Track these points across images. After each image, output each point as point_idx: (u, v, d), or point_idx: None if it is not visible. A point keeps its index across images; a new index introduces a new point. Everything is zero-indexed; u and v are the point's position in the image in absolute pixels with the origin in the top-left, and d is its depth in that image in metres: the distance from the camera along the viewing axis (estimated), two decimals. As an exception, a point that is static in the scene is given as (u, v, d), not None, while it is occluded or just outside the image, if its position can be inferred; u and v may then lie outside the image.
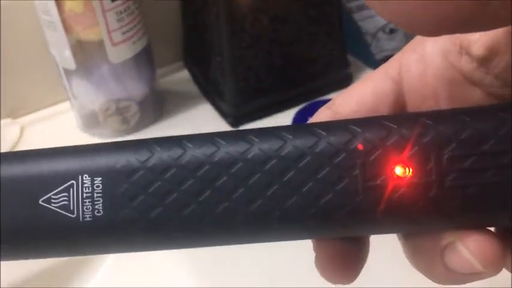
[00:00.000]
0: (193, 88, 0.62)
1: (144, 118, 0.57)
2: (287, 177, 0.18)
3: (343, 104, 0.22)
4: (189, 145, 0.18)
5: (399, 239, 0.21)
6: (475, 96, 0.20)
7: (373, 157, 0.18)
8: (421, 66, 0.21)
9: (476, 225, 0.18)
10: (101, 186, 0.18)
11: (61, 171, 0.18)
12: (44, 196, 0.18)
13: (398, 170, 0.17)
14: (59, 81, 0.55)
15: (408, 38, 0.68)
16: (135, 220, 0.18)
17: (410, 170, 0.17)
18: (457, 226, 0.18)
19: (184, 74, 0.64)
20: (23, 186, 0.18)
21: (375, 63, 0.63)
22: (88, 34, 0.49)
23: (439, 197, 0.17)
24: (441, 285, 0.20)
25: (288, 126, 0.19)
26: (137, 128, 0.57)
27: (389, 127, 0.18)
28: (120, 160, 0.18)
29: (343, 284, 0.21)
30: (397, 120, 0.18)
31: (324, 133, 0.18)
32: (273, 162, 0.18)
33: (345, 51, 0.58)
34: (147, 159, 0.18)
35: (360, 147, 0.18)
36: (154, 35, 0.56)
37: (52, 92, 0.59)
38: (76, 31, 0.49)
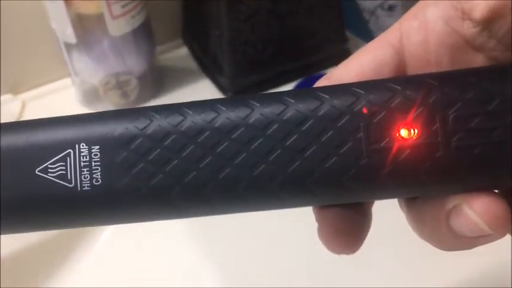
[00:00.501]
0: (192, 64, 0.62)
1: (143, 93, 0.57)
2: (290, 141, 0.17)
3: (344, 74, 0.21)
4: (189, 111, 0.18)
5: (402, 207, 0.21)
6: (478, 61, 0.20)
7: (377, 119, 0.17)
8: (423, 33, 0.21)
9: (483, 186, 0.17)
10: (98, 155, 0.18)
11: (57, 140, 0.18)
12: (40, 166, 0.18)
13: (403, 132, 0.17)
14: (60, 56, 0.56)
15: (406, 14, 0.69)
16: (135, 188, 0.18)
17: (416, 131, 0.17)
18: (464, 188, 0.18)
19: (183, 51, 0.64)
20: (19, 156, 0.18)
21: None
22: (88, 7, 0.49)
23: (446, 158, 0.17)
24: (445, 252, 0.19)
25: (290, 90, 0.18)
26: (137, 102, 0.57)
27: (393, 89, 0.17)
28: (118, 128, 0.18)
29: (347, 254, 0.20)
30: (401, 82, 0.18)
31: (327, 96, 0.18)
32: (275, 126, 0.18)
33: (343, 25, 0.59)
34: (146, 127, 0.18)
35: (364, 109, 0.17)
36: (153, 11, 0.57)
37: (53, 68, 0.59)
38: (76, 4, 0.49)
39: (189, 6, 0.61)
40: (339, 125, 0.17)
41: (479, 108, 0.17)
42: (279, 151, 0.18)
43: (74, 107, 0.58)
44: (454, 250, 0.19)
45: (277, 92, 0.19)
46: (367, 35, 0.64)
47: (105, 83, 0.55)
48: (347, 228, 0.20)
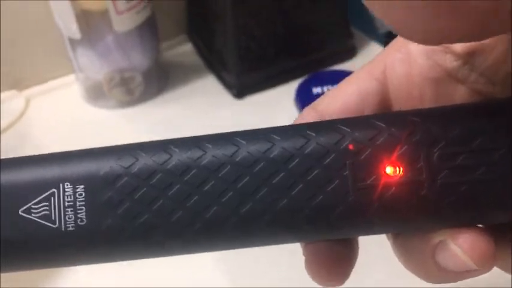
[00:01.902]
0: (197, 60, 0.62)
1: (148, 89, 0.57)
2: (276, 179, 0.17)
3: (328, 105, 0.22)
4: (175, 149, 0.18)
5: (388, 238, 0.21)
6: (460, 94, 0.20)
7: (363, 157, 0.17)
8: (406, 66, 0.21)
9: (468, 223, 0.18)
10: (83, 194, 0.17)
11: (41, 180, 0.18)
12: (23, 206, 0.17)
13: (389, 170, 0.17)
14: (64, 53, 0.55)
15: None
16: (120, 228, 0.17)
17: (401, 169, 0.17)
18: (449, 224, 0.18)
19: (188, 47, 0.64)
20: (1, 196, 0.18)
21: (379, 36, 0.63)
22: (93, 3, 0.49)
23: (431, 195, 0.17)
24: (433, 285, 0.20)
25: (276, 127, 0.18)
26: (141, 99, 0.57)
27: (378, 126, 0.17)
28: (103, 167, 0.18)
29: (334, 286, 0.21)
30: (386, 119, 0.18)
31: (313, 134, 0.18)
32: (262, 164, 0.17)
33: (348, 21, 0.58)
34: (131, 165, 0.18)
35: (350, 147, 0.17)
36: (158, 8, 0.56)
37: (57, 64, 0.59)
38: (81, 0, 0.49)
39: (194, 2, 0.60)
40: (325, 163, 0.17)
41: (463, 146, 0.17)
42: (265, 189, 0.17)
43: (78, 103, 0.58)
44: (440, 283, 0.19)
45: (264, 128, 0.18)
46: (373, 32, 0.63)
47: (109, 80, 0.54)
48: (333, 262, 0.20)
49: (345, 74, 0.57)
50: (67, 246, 0.18)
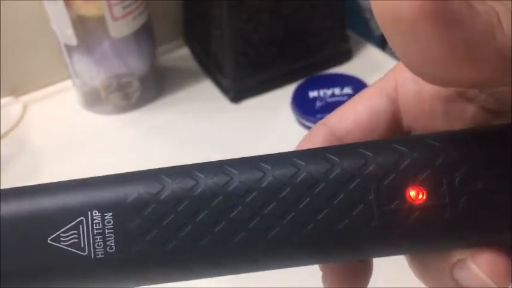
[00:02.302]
0: (193, 65, 0.62)
1: (145, 94, 0.57)
2: (302, 204, 0.18)
3: (339, 121, 0.22)
4: (201, 175, 0.18)
5: (405, 256, 0.21)
6: (470, 111, 0.20)
7: (387, 181, 0.18)
8: (417, 84, 0.21)
9: (487, 243, 0.18)
10: (112, 222, 0.18)
11: (69, 208, 0.18)
12: (52, 235, 0.18)
13: (413, 194, 0.17)
14: (61, 59, 0.56)
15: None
16: (149, 255, 0.18)
17: (424, 193, 0.17)
18: (469, 245, 0.18)
19: (185, 51, 0.64)
20: (29, 225, 0.18)
21: (374, 39, 0.63)
22: (89, 9, 0.49)
23: (453, 219, 0.17)
24: None
25: (299, 151, 0.19)
26: (139, 104, 0.57)
27: (400, 151, 0.18)
28: (131, 194, 0.18)
29: None
30: (407, 144, 0.18)
31: (337, 159, 0.18)
32: (288, 190, 0.18)
33: (344, 25, 0.58)
34: (159, 192, 0.18)
35: (374, 172, 0.18)
36: (154, 12, 0.57)
37: (54, 70, 0.59)
38: (77, 6, 0.49)
39: (190, 6, 0.61)
40: (350, 187, 0.18)
41: (483, 171, 0.17)
42: (292, 214, 0.18)
43: (76, 109, 0.58)
44: None
45: (287, 152, 0.19)
46: (368, 34, 0.63)
47: (106, 85, 0.55)
48: (350, 278, 0.21)
49: (341, 77, 0.57)
50: (97, 273, 0.18)
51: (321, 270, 0.21)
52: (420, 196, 0.17)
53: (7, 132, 0.56)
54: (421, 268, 0.20)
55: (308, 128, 0.52)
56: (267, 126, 0.54)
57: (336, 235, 0.18)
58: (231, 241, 0.18)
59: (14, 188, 0.19)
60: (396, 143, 0.18)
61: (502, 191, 0.17)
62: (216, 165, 0.18)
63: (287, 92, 0.56)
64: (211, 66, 0.59)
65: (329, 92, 0.54)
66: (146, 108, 0.57)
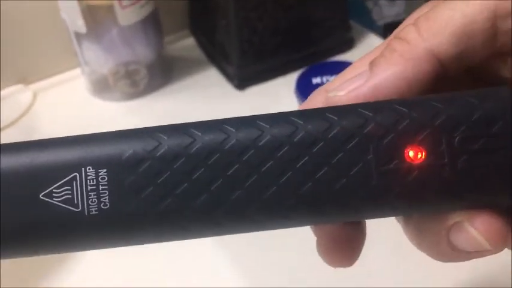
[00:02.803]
0: (199, 54, 0.63)
1: (152, 82, 0.58)
2: (300, 163, 0.17)
3: (338, 88, 0.21)
4: (197, 133, 0.18)
5: (398, 220, 0.21)
6: None
7: (386, 141, 0.17)
8: None
9: (485, 205, 0.18)
10: (106, 178, 0.17)
11: (62, 163, 0.17)
12: (44, 190, 0.17)
13: (411, 153, 0.17)
14: (70, 47, 0.57)
15: (408, 4, 0.70)
16: (144, 212, 0.17)
17: (423, 153, 0.17)
18: (467, 206, 0.18)
19: (190, 41, 0.65)
20: (21, 180, 0.17)
21: (376, 28, 0.65)
22: (98, -3, 0.51)
23: (452, 178, 0.17)
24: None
25: (297, 111, 0.18)
26: (146, 91, 0.58)
27: (400, 111, 0.18)
28: (126, 150, 0.17)
29: (344, 267, 0.21)
30: (407, 104, 0.18)
31: (336, 118, 0.18)
32: (286, 148, 0.17)
33: (347, 14, 0.60)
34: (154, 149, 0.17)
35: (373, 131, 0.17)
36: (160, 3, 0.58)
37: (63, 58, 0.61)
38: (86, -6, 0.50)
39: (195, -3, 0.62)
40: (348, 146, 0.18)
41: (483, 130, 0.17)
42: (290, 173, 0.18)
43: (84, 96, 0.59)
44: (452, 262, 0.20)
45: (285, 112, 0.18)
46: (370, 24, 0.65)
47: (114, 73, 0.56)
48: (344, 243, 0.21)
49: (343, 65, 0.58)
50: (90, 229, 0.17)
51: (315, 235, 0.21)
52: (419, 156, 0.17)
53: (16, 120, 0.58)
54: (417, 233, 0.20)
55: (311, 113, 0.54)
56: (271, 112, 0.56)
57: (334, 194, 0.18)
58: (228, 199, 0.18)
59: (8, 143, 0.18)
60: (396, 103, 0.18)
61: (500, 151, 0.17)
62: (213, 123, 0.18)
63: (291, 79, 0.57)
64: (216, 54, 0.60)
65: (332, 79, 0.55)
66: (153, 95, 0.59)
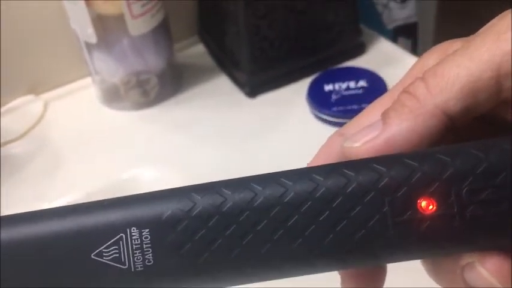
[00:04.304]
0: (209, 61, 0.63)
1: (163, 91, 0.58)
2: (322, 217, 0.19)
3: (353, 139, 0.23)
4: (228, 192, 0.20)
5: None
6: None
7: (399, 194, 0.19)
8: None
9: (494, 248, 0.19)
10: (149, 237, 0.19)
11: (110, 225, 0.19)
12: (95, 250, 0.19)
13: (424, 205, 0.19)
14: (80, 56, 0.57)
15: (419, 6, 0.69)
16: (184, 267, 0.19)
17: (434, 204, 0.19)
18: (477, 249, 0.20)
19: (200, 48, 0.65)
20: (73, 242, 0.19)
21: (386, 33, 0.64)
22: (108, 7, 0.50)
23: (461, 227, 0.19)
24: None
25: (317, 167, 0.20)
26: (157, 100, 0.58)
27: (411, 165, 0.19)
28: (165, 211, 0.19)
29: None
30: (417, 158, 0.19)
31: (352, 174, 0.19)
32: (309, 204, 0.19)
33: (357, 19, 0.59)
34: (190, 209, 0.19)
35: (388, 185, 0.19)
36: (170, 11, 0.58)
37: (73, 68, 0.61)
38: (97, 5, 0.50)
39: (205, 3, 0.62)
40: (365, 200, 0.19)
41: (488, 181, 0.19)
42: (313, 226, 0.19)
43: (95, 106, 0.59)
44: None
45: (306, 168, 0.20)
46: (381, 28, 0.64)
47: (126, 82, 0.56)
48: (367, 279, 0.23)
49: (355, 70, 0.58)
50: (137, 284, 0.19)
51: (339, 273, 0.23)
52: (431, 207, 0.19)
53: (28, 130, 0.57)
54: (434, 270, 0.22)
55: (324, 121, 0.53)
56: (283, 119, 0.55)
57: (354, 244, 0.19)
58: (258, 252, 0.19)
59: (52, 208, 0.20)
60: (407, 157, 0.19)
61: (505, 200, 0.19)
62: (241, 181, 0.20)
63: (302, 86, 0.57)
64: (227, 62, 0.60)
65: (344, 85, 0.55)
66: (164, 104, 0.58)
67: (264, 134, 0.54)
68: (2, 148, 0.56)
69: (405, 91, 0.21)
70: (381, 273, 0.23)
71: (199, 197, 0.20)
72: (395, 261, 0.21)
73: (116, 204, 0.20)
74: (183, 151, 0.54)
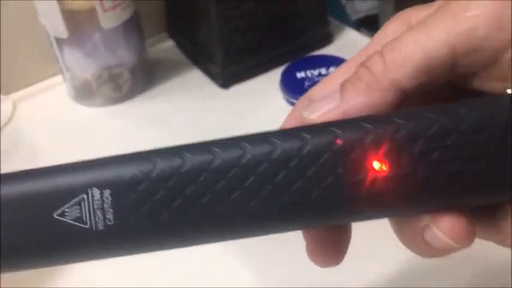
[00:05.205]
0: (180, 56, 0.63)
1: (135, 85, 0.58)
2: (279, 177, 0.20)
3: (321, 93, 0.24)
4: (187, 155, 0.20)
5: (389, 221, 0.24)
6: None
7: (353, 155, 0.20)
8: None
9: (446, 207, 0.20)
10: (110, 198, 0.20)
11: (72, 186, 0.20)
12: (58, 210, 0.20)
13: (376, 165, 0.20)
14: (49, 54, 0.56)
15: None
16: (143, 226, 0.20)
17: (387, 164, 0.20)
18: (430, 209, 0.20)
19: (169, 43, 0.65)
20: (35, 203, 0.20)
21: (351, 23, 0.66)
22: (80, 2, 0.50)
23: (413, 187, 0.20)
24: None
25: (275, 131, 0.21)
26: (129, 95, 0.58)
27: (366, 127, 0.20)
28: (126, 173, 0.20)
29: (331, 266, 0.23)
30: (372, 121, 0.20)
31: (309, 136, 0.20)
32: (265, 165, 0.20)
33: (325, 10, 0.61)
34: (150, 171, 0.20)
35: (342, 147, 0.20)
36: (139, 7, 0.58)
37: (43, 66, 0.60)
38: (67, 0, 0.50)
39: (172, 1, 0.62)
40: (320, 162, 0.20)
41: (439, 142, 0.19)
42: (269, 187, 0.20)
43: (67, 104, 0.58)
44: (432, 257, 0.22)
45: (264, 132, 0.21)
46: (346, 19, 0.66)
47: (97, 77, 0.55)
48: (330, 245, 0.23)
49: (325, 58, 0.59)
50: (98, 243, 0.20)
51: (304, 239, 0.23)
52: (383, 168, 0.20)
53: (-2, 130, 0.56)
54: (400, 233, 0.23)
55: (298, 107, 0.54)
56: (257, 109, 0.56)
57: (309, 204, 0.20)
58: (216, 212, 0.20)
59: (18, 171, 0.21)
60: (363, 120, 0.20)
61: (455, 160, 0.19)
62: (202, 145, 0.20)
63: (274, 75, 0.58)
64: (198, 55, 0.60)
65: (316, 72, 0.56)
66: (137, 99, 0.58)
67: (239, 123, 0.54)
68: (-28, 149, 0.54)
69: (363, 65, 0.22)
70: (344, 239, 0.24)
71: (159, 160, 0.20)
72: (351, 221, 0.22)
73: (77, 167, 0.20)
74: (158, 145, 0.53)
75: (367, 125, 0.20)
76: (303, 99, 0.25)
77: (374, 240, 0.33)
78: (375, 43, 0.24)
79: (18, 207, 0.20)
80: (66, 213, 0.20)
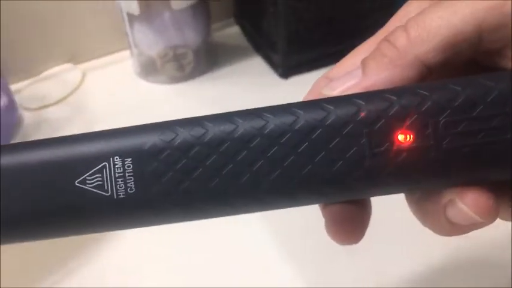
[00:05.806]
0: (243, 42, 0.64)
1: (198, 67, 0.60)
2: (301, 148, 0.19)
3: (338, 73, 0.23)
4: (209, 124, 0.20)
5: (406, 199, 0.23)
6: None
7: (377, 126, 0.19)
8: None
9: (472, 181, 0.20)
10: (131, 166, 0.20)
11: (94, 154, 0.20)
12: (79, 178, 0.20)
13: (401, 137, 0.19)
14: (120, 29, 0.58)
15: None
16: (164, 195, 0.20)
17: (411, 136, 0.19)
18: (455, 183, 0.20)
19: (235, 29, 0.66)
20: (58, 170, 0.20)
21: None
22: (153, -20, 0.52)
23: (437, 158, 0.19)
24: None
25: (298, 102, 0.20)
26: (191, 76, 0.60)
27: (390, 99, 0.20)
28: (148, 141, 0.20)
29: (351, 244, 0.23)
30: (396, 93, 0.20)
31: (332, 107, 0.20)
32: (288, 135, 0.19)
33: (393, 6, 0.60)
34: (172, 139, 0.20)
35: (365, 118, 0.19)
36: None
37: (112, 40, 0.62)
38: (142, -24, 0.52)
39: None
40: (344, 132, 0.19)
41: (465, 114, 0.19)
42: (292, 157, 0.20)
43: (132, 78, 0.61)
44: (452, 235, 0.22)
45: (287, 104, 0.21)
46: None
47: (163, 55, 0.57)
48: (350, 222, 0.22)
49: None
50: (119, 211, 0.20)
51: (323, 217, 0.23)
52: (408, 139, 0.19)
53: (65, 97, 0.59)
54: (420, 211, 0.22)
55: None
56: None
57: (332, 175, 0.20)
58: (237, 182, 0.20)
59: (42, 139, 0.21)
60: (387, 92, 0.20)
61: (481, 132, 0.19)
62: (224, 115, 0.20)
63: (334, 70, 0.58)
64: (262, 43, 0.61)
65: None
66: (198, 80, 0.60)
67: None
68: (40, 111, 0.57)
69: (386, 39, 0.21)
70: (364, 216, 0.23)
71: (181, 129, 0.20)
72: (373, 195, 0.21)
73: (100, 135, 0.20)
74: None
75: (392, 97, 0.20)
76: (322, 78, 0.25)
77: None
78: (397, 20, 0.24)
79: (41, 173, 0.20)
80: (88, 181, 0.20)
